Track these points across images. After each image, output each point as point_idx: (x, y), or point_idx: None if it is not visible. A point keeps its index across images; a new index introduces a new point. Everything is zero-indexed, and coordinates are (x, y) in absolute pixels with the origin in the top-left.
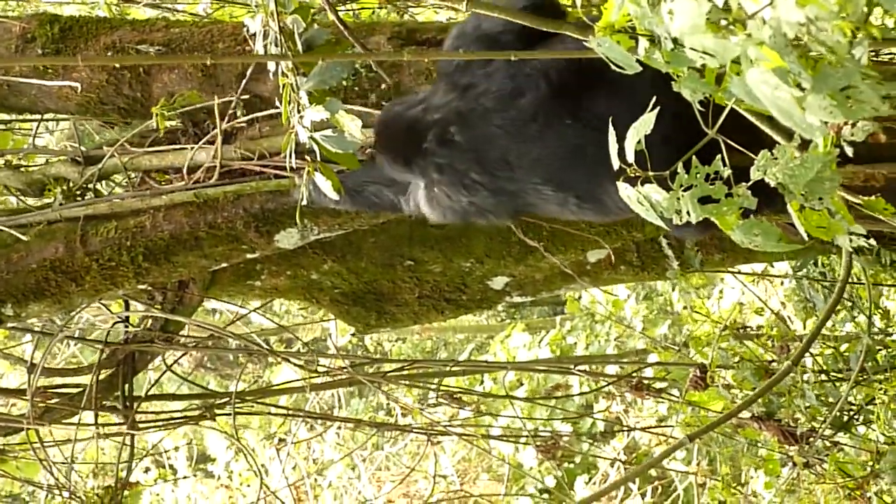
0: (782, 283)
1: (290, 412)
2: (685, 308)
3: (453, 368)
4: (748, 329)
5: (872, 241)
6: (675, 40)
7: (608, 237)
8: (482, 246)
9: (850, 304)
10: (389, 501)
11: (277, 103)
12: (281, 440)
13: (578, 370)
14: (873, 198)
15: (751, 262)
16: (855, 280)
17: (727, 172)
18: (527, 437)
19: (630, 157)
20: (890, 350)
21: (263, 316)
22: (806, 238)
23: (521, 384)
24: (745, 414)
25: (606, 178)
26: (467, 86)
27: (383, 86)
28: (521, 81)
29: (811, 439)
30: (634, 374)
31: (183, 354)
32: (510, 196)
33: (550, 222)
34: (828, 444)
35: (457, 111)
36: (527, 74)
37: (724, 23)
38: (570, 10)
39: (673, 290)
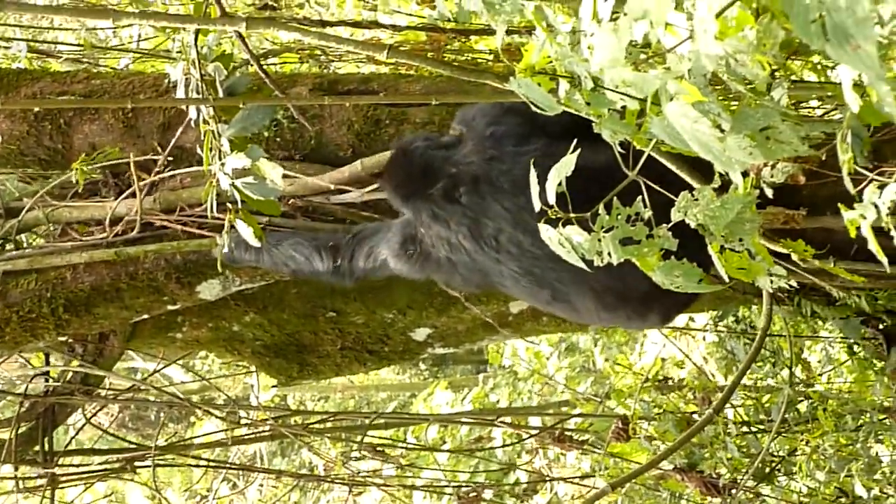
0: (704, 338)
1: (212, 464)
2: (607, 361)
3: (376, 421)
4: (670, 381)
5: (794, 283)
6: (595, 80)
7: None
8: (405, 297)
9: (771, 356)
10: None
11: (199, 152)
12: (202, 497)
13: (502, 422)
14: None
15: None
16: (776, 332)
17: (648, 214)
18: (449, 488)
19: (551, 200)
20: (811, 401)
21: (184, 372)
22: (727, 280)
23: (445, 442)
24: (668, 466)
25: (586, 288)
26: (493, 157)
27: (307, 135)
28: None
29: (733, 491)
30: (557, 427)
31: (102, 407)
32: (485, 272)
33: None
34: (750, 495)
35: (473, 175)
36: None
37: (643, 57)
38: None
39: (595, 345)
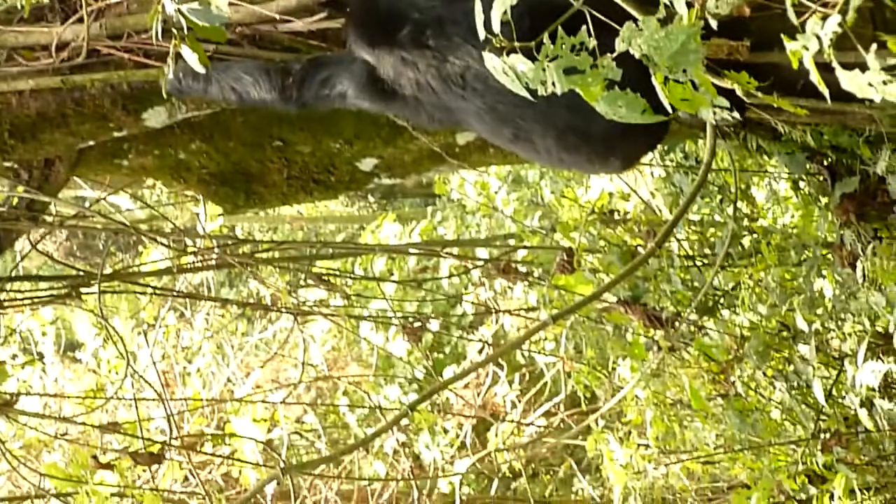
0: (651, 173)
1: (158, 291)
2: (553, 194)
3: (324, 252)
4: (616, 215)
5: (737, 115)
6: None
7: None
8: (351, 127)
9: (718, 191)
10: (258, 387)
11: None
12: (149, 325)
13: (448, 253)
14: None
15: None
16: (723, 168)
17: (592, 44)
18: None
19: (496, 28)
20: (755, 236)
21: (132, 200)
22: (670, 110)
23: (392, 273)
24: (612, 298)
25: (548, 126)
26: None
27: None
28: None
29: (676, 323)
30: (502, 259)
31: (48, 233)
32: (451, 110)
33: None
34: (693, 328)
35: (438, 17)
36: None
37: None
38: None
39: (540, 177)
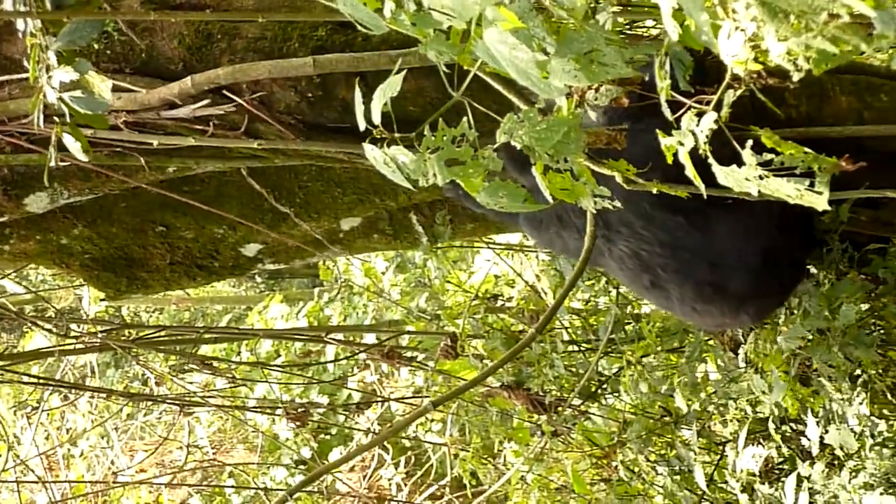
0: (537, 257)
1: (42, 381)
2: (436, 279)
3: (207, 336)
4: (501, 299)
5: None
6: (418, 2)
7: (361, 206)
8: (235, 212)
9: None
10: (142, 471)
11: (27, 64)
12: (33, 409)
13: (332, 339)
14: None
15: (503, 232)
16: None
17: (473, 135)
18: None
19: (376, 119)
20: (639, 321)
21: (15, 283)
22: (550, 200)
23: (279, 355)
24: (496, 384)
25: (688, 277)
26: None
27: (137, 49)
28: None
29: (560, 408)
30: (386, 343)
31: None
32: (595, 252)
33: (304, 189)
34: (576, 413)
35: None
36: None
37: None
38: None
39: (423, 264)
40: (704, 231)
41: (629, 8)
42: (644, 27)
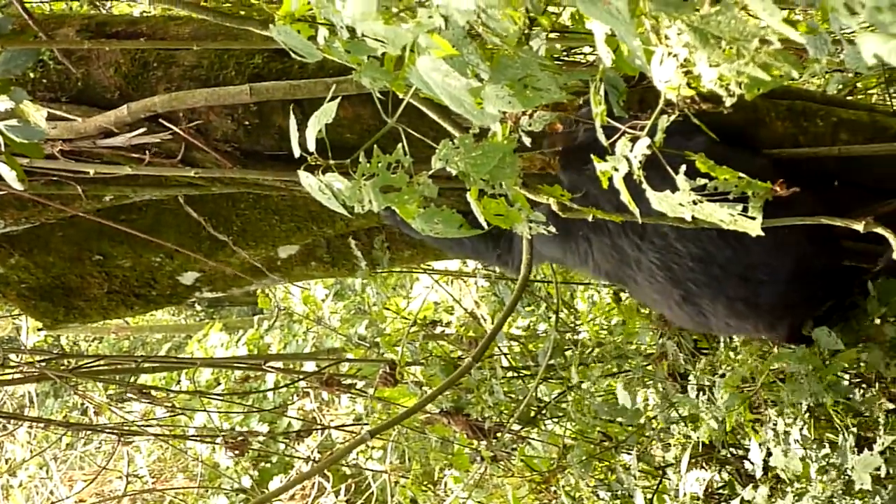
0: (476, 283)
1: None
2: (374, 306)
3: (146, 365)
4: (440, 326)
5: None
6: (351, 29)
7: (299, 233)
8: (173, 241)
9: (544, 301)
10: (81, 501)
11: None
12: None
13: (271, 367)
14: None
15: (441, 258)
16: (546, 279)
17: (408, 161)
18: (219, 435)
19: (311, 146)
20: (578, 347)
21: None
22: (485, 226)
23: (219, 384)
24: (436, 410)
25: (720, 293)
26: None
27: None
28: None
29: (499, 434)
30: (325, 371)
31: None
32: (621, 257)
33: (241, 217)
34: (516, 438)
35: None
36: None
37: (395, 10)
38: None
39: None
40: (736, 245)
41: (566, 35)
42: (581, 53)
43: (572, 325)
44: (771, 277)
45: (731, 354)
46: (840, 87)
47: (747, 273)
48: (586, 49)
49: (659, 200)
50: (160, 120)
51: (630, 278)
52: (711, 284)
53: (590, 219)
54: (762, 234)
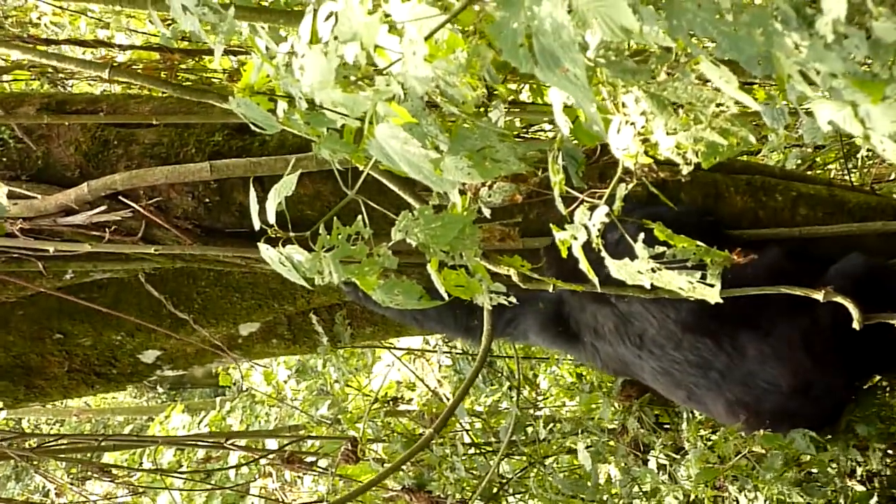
0: (439, 361)
1: None
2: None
3: (106, 444)
4: (401, 402)
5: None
6: (310, 100)
7: (260, 310)
8: (133, 318)
9: (506, 377)
10: None
11: None
12: None
13: (233, 444)
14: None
15: (402, 335)
16: (506, 355)
17: (368, 233)
18: None
19: (271, 219)
20: (540, 423)
21: None
22: (446, 297)
23: (182, 465)
24: (398, 487)
25: (719, 396)
26: None
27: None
28: None
29: None
30: (286, 449)
31: None
32: (626, 363)
33: (202, 294)
34: None
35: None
36: None
37: (353, 78)
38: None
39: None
40: (732, 353)
41: (525, 108)
42: (542, 130)
43: (534, 401)
44: (771, 387)
45: (699, 431)
46: (799, 161)
47: (747, 380)
48: (546, 126)
49: (618, 268)
50: (120, 197)
51: (637, 376)
52: (711, 387)
53: (590, 328)
54: (721, 300)
